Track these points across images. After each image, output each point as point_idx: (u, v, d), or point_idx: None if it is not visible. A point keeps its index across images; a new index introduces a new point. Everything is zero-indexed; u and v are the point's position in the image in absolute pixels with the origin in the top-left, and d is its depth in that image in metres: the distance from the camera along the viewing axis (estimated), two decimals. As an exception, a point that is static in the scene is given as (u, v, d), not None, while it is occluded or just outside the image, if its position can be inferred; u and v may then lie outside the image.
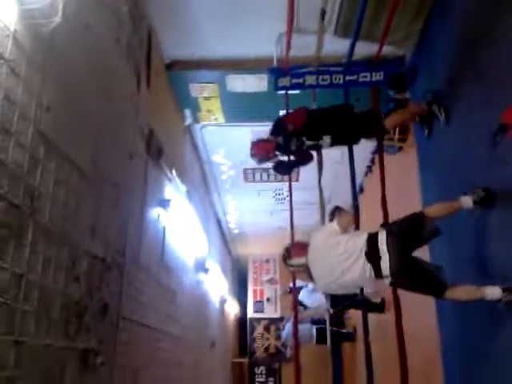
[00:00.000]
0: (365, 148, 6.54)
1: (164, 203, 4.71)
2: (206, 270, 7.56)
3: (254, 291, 13.42)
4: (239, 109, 5.47)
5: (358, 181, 7.12)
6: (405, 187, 5.26)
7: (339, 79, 4.22)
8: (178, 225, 5.29)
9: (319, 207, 5.85)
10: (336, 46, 4.50)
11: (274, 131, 4.09)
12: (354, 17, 3.89)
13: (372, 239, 3.04)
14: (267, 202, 9.16)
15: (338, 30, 4.20)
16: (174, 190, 5.11)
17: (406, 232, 3.03)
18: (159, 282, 4.61)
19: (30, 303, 2.13)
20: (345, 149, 4.57)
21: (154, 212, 4.48)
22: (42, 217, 2.27)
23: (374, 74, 4.15)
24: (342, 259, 3.07)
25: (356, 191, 5.89)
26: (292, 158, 4.35)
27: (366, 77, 4.18)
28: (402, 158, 5.62)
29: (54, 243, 2.39)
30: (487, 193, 3.04)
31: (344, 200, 7.58)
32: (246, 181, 8.20)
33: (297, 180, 7.78)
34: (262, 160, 4.24)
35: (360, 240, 3.07)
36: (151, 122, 4.30)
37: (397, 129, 5.17)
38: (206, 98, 5.28)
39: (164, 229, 4.83)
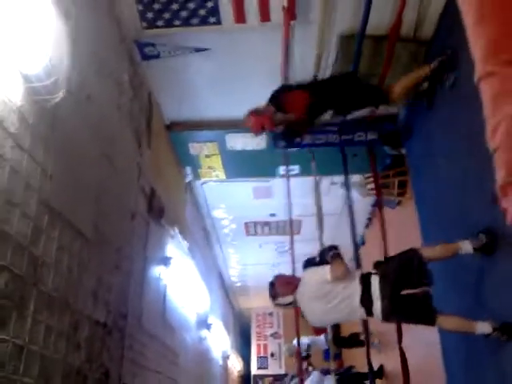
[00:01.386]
0: (365, 201, 6.62)
1: (165, 261, 4.72)
2: (208, 326, 7.44)
3: (258, 346, 13.09)
4: (239, 165, 5.57)
5: (359, 233, 7.15)
6: (405, 239, 5.26)
7: (335, 138, 4.36)
8: (179, 282, 5.27)
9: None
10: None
11: (273, 101, 3.74)
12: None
13: (364, 283, 3.06)
14: (269, 255, 9.13)
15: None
16: (175, 247, 5.13)
17: (400, 275, 3.05)
18: (161, 343, 4.54)
19: (29, 375, 2.11)
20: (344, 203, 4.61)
21: (156, 270, 4.48)
22: (45, 285, 2.30)
23: (368, 132, 4.28)
24: (336, 308, 3.10)
25: (357, 243, 5.90)
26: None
27: (361, 136, 4.32)
28: (401, 211, 5.66)
29: (56, 311, 2.39)
30: (490, 239, 2.95)
31: (345, 252, 7.61)
32: (247, 234, 8.22)
33: (298, 233, 7.81)
34: (258, 133, 3.95)
35: (353, 288, 3.08)
36: (153, 182, 4.39)
37: (396, 183, 5.25)
38: (206, 156, 5.39)
39: (165, 287, 4.81)
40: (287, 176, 5.06)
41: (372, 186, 5.39)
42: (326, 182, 6.02)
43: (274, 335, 13.02)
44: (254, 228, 8.05)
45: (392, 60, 3.83)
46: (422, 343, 4.77)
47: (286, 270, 8.07)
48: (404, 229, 5.35)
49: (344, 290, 3.07)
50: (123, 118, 3.69)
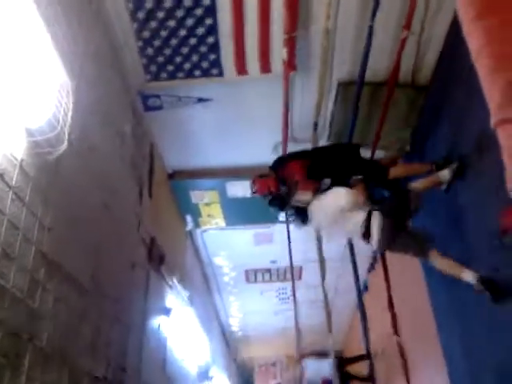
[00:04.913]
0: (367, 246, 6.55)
1: (165, 312, 4.61)
2: (209, 378, 7.18)
3: (261, 398, 12.59)
4: (239, 213, 5.56)
5: (362, 277, 7.04)
6: (409, 280, 5.18)
7: (335, 183, 4.36)
8: (179, 333, 5.12)
9: (324, 305, 5.72)
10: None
11: (275, 167, 3.95)
12: (345, 126, 4.13)
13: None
14: (271, 302, 8.97)
15: (331, 138, 4.41)
16: (175, 296, 5.02)
17: (395, 210, 3.15)
18: (160, 398, 4.36)
19: None
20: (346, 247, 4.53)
21: (155, 322, 4.37)
22: (41, 340, 2.21)
23: (368, 176, 4.29)
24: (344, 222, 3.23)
25: (360, 289, 5.79)
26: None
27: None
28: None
29: (53, 367, 2.29)
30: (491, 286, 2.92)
31: (349, 298, 7.46)
32: (247, 282, 8.10)
33: (299, 278, 7.70)
34: (264, 197, 4.02)
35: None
36: (153, 231, 4.35)
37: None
38: (206, 204, 5.40)
39: (165, 339, 4.67)
40: (287, 222, 5.03)
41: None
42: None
43: (278, 386, 12.54)
44: (254, 275, 7.94)
45: (385, 120, 3.91)
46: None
47: (289, 318, 7.88)
48: (408, 269, 5.27)
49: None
50: (125, 168, 3.71)
